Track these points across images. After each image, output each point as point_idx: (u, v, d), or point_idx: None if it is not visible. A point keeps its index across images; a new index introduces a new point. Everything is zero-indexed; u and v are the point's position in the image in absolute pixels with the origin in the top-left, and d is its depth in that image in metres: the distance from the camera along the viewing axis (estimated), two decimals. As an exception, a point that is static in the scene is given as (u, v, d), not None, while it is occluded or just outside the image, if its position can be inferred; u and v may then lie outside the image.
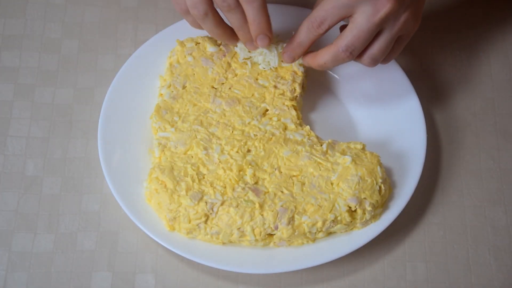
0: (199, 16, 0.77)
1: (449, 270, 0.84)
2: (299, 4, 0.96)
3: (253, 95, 0.87)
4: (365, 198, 0.79)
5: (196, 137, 0.84)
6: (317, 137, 0.84)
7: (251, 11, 0.76)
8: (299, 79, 0.88)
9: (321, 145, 0.83)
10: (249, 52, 0.88)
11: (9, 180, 0.87)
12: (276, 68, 0.89)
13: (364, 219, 0.80)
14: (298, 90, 0.88)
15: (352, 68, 0.93)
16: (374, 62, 0.79)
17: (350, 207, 0.79)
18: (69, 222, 0.85)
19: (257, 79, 0.88)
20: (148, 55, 0.92)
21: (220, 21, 0.79)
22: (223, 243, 0.80)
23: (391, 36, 0.76)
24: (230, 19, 0.78)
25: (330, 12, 0.75)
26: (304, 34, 0.78)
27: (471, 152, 0.91)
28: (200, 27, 0.81)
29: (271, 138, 0.84)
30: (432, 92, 0.95)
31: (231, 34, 0.82)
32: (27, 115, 0.91)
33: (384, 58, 0.80)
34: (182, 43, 0.90)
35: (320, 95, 0.93)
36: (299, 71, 0.89)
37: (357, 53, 0.77)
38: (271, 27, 0.79)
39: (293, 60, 0.82)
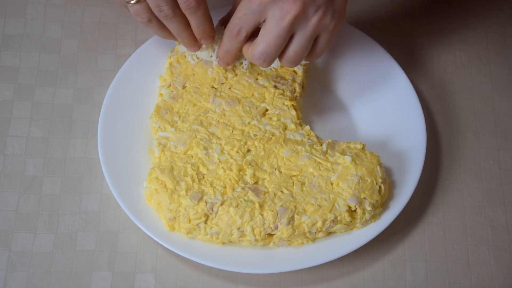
0: (144, 23, 0.80)
1: (449, 270, 0.84)
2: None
3: (253, 95, 0.87)
4: (365, 198, 0.79)
5: (196, 137, 0.84)
6: (317, 137, 0.84)
7: (195, 20, 0.79)
8: (299, 79, 0.88)
9: (321, 145, 0.83)
10: None
11: (9, 180, 0.87)
12: (276, 68, 0.89)
13: (364, 219, 0.80)
14: (298, 90, 0.88)
15: (352, 68, 0.93)
16: (293, 63, 0.79)
17: (350, 207, 0.80)
18: (69, 222, 0.85)
19: (257, 79, 0.88)
20: (148, 55, 0.92)
21: (163, 26, 0.81)
22: (223, 243, 0.80)
23: (305, 38, 0.75)
24: (169, 27, 0.80)
25: (243, 20, 0.76)
26: (228, 43, 0.80)
27: (471, 152, 0.91)
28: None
29: (271, 138, 0.84)
30: (432, 92, 0.95)
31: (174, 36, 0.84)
32: (27, 115, 0.91)
33: (309, 56, 0.79)
34: (182, 43, 0.90)
35: (320, 95, 0.93)
36: (299, 71, 0.89)
37: (272, 60, 0.77)
38: (214, 28, 0.82)
39: (228, 65, 0.85)
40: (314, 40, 0.77)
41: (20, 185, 0.87)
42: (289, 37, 0.76)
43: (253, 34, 0.78)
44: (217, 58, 0.85)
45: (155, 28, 0.81)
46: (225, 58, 0.83)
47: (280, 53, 0.78)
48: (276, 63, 0.88)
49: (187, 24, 0.80)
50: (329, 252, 0.80)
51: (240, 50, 0.81)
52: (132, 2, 0.77)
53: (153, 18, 0.79)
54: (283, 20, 0.73)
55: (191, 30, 0.81)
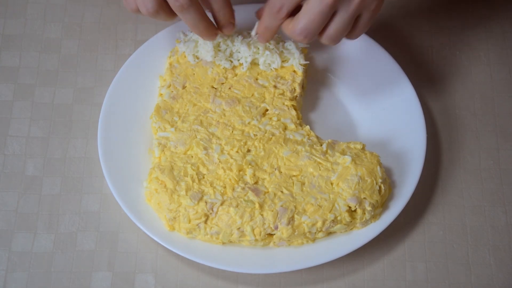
0: (149, 13, 0.77)
1: (449, 270, 0.84)
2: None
3: (253, 95, 0.87)
4: (365, 198, 0.79)
5: (196, 137, 0.84)
6: (317, 137, 0.84)
7: (216, 4, 0.79)
8: (299, 79, 0.88)
9: (321, 145, 0.83)
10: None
11: (9, 180, 0.87)
12: (276, 68, 0.89)
13: (364, 219, 0.80)
14: (298, 90, 0.88)
15: (352, 68, 0.93)
16: (333, 41, 0.78)
17: (350, 207, 0.79)
18: (69, 222, 0.85)
19: (257, 79, 0.88)
20: (148, 55, 0.92)
21: (169, 16, 0.79)
22: (223, 243, 0.80)
23: (347, 15, 0.75)
24: (184, 18, 0.78)
25: None
26: (268, 20, 0.79)
27: (470, 152, 0.91)
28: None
29: (271, 138, 0.84)
30: (432, 92, 0.95)
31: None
32: (27, 115, 0.91)
33: (350, 34, 0.79)
34: (182, 43, 0.90)
35: (320, 95, 0.93)
36: (299, 71, 0.89)
37: (312, 36, 0.77)
38: (234, 15, 0.82)
39: (267, 41, 0.83)
40: (355, 19, 0.77)
41: (20, 185, 0.87)
42: (331, 15, 0.75)
43: (293, 11, 0.77)
44: (256, 34, 0.83)
45: (162, 18, 0.78)
46: (265, 34, 0.82)
47: (321, 31, 0.77)
48: (276, 63, 0.88)
49: (202, 13, 0.79)
50: (329, 252, 0.80)
51: (278, 28, 0.80)
52: None
53: (161, 9, 0.77)
54: None
55: (207, 19, 0.80)
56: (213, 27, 0.82)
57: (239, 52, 0.87)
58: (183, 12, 0.77)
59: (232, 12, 0.81)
